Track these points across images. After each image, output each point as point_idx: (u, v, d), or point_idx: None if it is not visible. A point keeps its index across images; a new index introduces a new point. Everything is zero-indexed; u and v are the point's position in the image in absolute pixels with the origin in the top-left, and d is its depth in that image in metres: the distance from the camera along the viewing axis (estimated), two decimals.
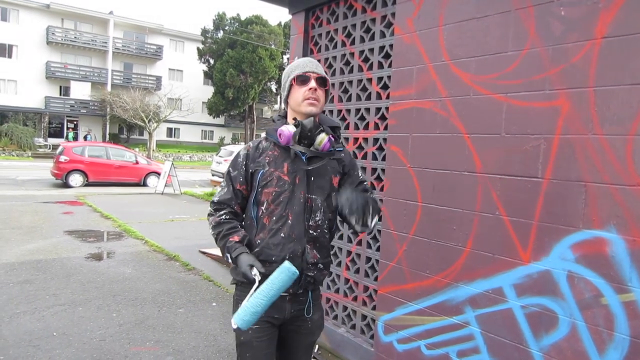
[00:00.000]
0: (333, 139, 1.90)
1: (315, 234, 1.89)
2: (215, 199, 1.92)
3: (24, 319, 4.02)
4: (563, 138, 2.14)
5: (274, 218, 1.85)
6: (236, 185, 1.89)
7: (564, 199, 2.13)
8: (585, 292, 2.06)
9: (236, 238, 1.81)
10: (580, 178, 2.08)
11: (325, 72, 1.94)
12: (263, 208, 1.86)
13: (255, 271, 1.69)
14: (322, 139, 1.86)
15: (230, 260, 1.81)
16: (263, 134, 2.03)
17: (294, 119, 1.87)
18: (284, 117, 1.97)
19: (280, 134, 1.84)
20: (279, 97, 36.90)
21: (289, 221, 1.84)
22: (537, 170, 2.24)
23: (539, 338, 2.23)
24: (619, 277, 1.95)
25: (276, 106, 39.74)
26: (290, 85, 1.88)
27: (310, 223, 1.88)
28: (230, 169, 1.92)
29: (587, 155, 2.06)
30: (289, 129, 1.83)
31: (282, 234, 1.83)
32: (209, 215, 1.93)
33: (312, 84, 1.85)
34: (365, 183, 2.06)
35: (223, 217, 1.87)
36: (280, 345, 1.96)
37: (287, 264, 1.67)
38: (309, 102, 1.84)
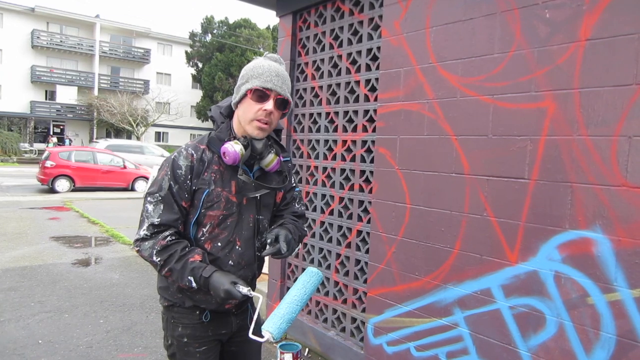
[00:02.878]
0: (281, 155, 1.74)
1: (260, 254, 1.79)
2: (155, 220, 1.57)
3: (9, 327, 3.96)
4: (549, 139, 2.16)
5: (219, 244, 1.66)
6: (181, 202, 1.59)
7: (551, 200, 2.15)
8: (571, 292, 2.08)
9: (198, 257, 1.58)
10: (566, 179, 2.10)
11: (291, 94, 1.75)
12: (204, 230, 1.64)
13: (243, 288, 1.52)
14: (271, 160, 1.68)
15: (194, 284, 1.55)
16: (200, 138, 1.70)
17: (244, 136, 1.63)
18: (227, 117, 1.71)
19: (224, 153, 1.59)
20: None
21: (238, 247, 1.69)
22: (523, 172, 2.25)
23: (527, 338, 2.24)
24: (604, 277, 1.97)
25: None
26: (245, 94, 1.60)
27: (257, 245, 1.76)
28: (171, 183, 1.58)
29: (572, 156, 2.08)
30: (235, 149, 1.57)
31: (230, 262, 1.68)
32: (143, 239, 1.58)
33: (269, 105, 1.58)
34: (298, 207, 1.92)
35: (169, 238, 1.57)
36: (231, 357, 1.87)
37: (313, 269, 1.66)
38: (259, 126, 1.60)
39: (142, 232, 1.59)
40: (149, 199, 1.60)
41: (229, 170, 1.65)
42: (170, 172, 1.59)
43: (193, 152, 1.62)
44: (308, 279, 1.63)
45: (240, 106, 1.64)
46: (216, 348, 1.78)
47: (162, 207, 1.58)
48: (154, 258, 1.57)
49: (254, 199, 1.72)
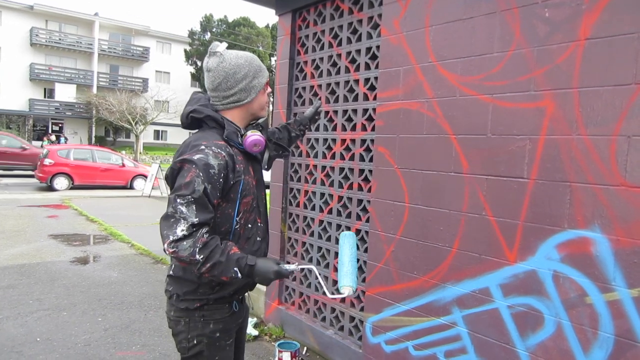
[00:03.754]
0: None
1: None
2: (194, 220, 1.56)
3: (7, 325, 3.95)
4: (548, 139, 2.16)
5: (249, 225, 1.80)
6: (214, 200, 1.63)
7: (550, 199, 2.15)
8: (570, 292, 2.08)
9: (236, 249, 1.64)
10: (565, 178, 2.10)
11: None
12: (238, 218, 1.75)
13: (290, 266, 1.67)
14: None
15: (239, 275, 1.60)
16: (207, 137, 1.72)
17: (252, 122, 1.84)
18: (213, 111, 1.81)
19: (256, 143, 1.75)
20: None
21: (259, 224, 1.85)
22: (522, 171, 2.25)
23: (525, 337, 2.24)
24: (603, 277, 1.97)
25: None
26: (262, 88, 1.82)
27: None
28: (205, 184, 1.58)
29: (571, 155, 2.08)
30: (262, 135, 1.78)
31: (258, 238, 1.83)
32: (182, 239, 1.55)
33: (268, 87, 1.87)
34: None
35: (206, 235, 1.59)
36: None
37: (348, 232, 1.94)
38: (266, 107, 1.88)
39: (180, 232, 1.55)
40: (179, 200, 1.57)
41: (245, 157, 1.79)
42: (203, 174, 1.58)
43: (219, 150, 1.65)
44: (351, 240, 1.87)
45: (256, 100, 1.81)
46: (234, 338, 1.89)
47: (194, 207, 1.57)
48: (197, 256, 1.55)
49: (262, 178, 1.90)
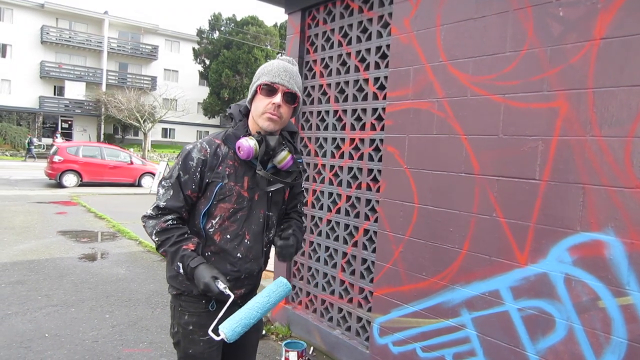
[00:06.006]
0: (294, 155, 1.80)
1: (266, 249, 1.89)
2: (161, 203, 1.68)
3: (16, 320, 3.97)
4: (561, 140, 2.13)
5: (228, 236, 1.73)
6: (187, 191, 1.68)
7: (562, 201, 2.12)
8: (582, 295, 2.05)
9: (191, 246, 1.66)
10: (578, 180, 2.06)
11: (301, 87, 1.77)
12: (214, 222, 1.72)
13: (221, 284, 1.58)
14: (284, 157, 1.74)
15: (181, 270, 1.65)
16: (215, 134, 1.78)
17: (258, 132, 1.71)
18: (245, 115, 1.78)
19: (239, 148, 1.66)
20: None
21: (247, 241, 1.76)
22: (534, 172, 2.22)
23: (535, 341, 2.21)
24: (616, 280, 1.94)
25: None
26: (255, 91, 1.70)
27: (265, 240, 1.84)
28: (180, 172, 1.67)
29: (585, 157, 2.04)
30: (249, 144, 1.65)
31: (238, 254, 1.75)
32: (149, 217, 1.70)
33: (277, 98, 1.66)
34: (300, 207, 2.02)
35: (170, 222, 1.67)
36: (230, 347, 1.90)
37: (283, 279, 1.68)
38: (268, 117, 1.67)
39: (149, 211, 1.72)
40: (162, 183, 1.71)
41: (243, 166, 1.72)
42: (182, 163, 1.68)
43: (207, 146, 1.69)
44: (275, 288, 1.65)
45: (253, 103, 1.72)
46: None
47: (171, 193, 1.68)
48: (153, 237, 1.69)
49: (266, 195, 1.78)
